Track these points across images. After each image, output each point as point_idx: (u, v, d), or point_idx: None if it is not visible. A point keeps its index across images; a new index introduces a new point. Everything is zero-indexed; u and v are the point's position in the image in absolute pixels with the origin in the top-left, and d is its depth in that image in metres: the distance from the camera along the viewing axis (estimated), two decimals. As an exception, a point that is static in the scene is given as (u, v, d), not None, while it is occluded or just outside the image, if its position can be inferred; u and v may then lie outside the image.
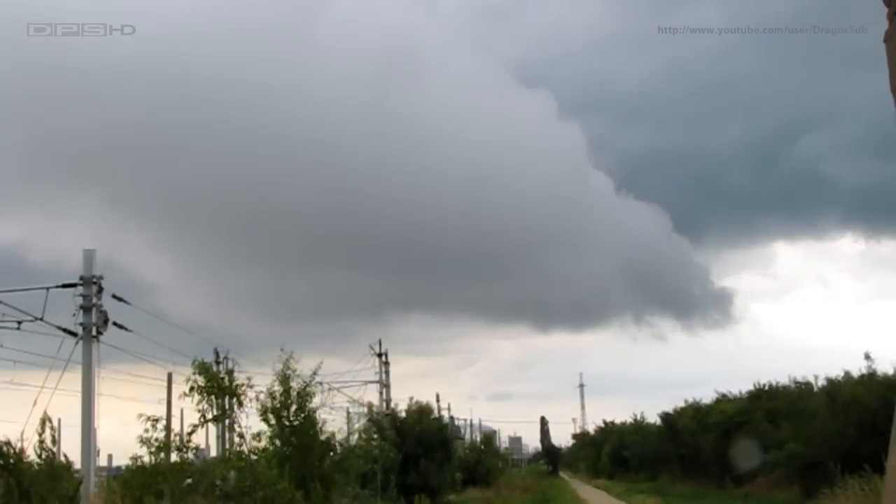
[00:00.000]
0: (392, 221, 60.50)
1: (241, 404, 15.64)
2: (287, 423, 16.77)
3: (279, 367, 17.01)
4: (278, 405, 16.75)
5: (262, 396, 16.54)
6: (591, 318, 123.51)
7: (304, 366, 17.43)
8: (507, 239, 68.50)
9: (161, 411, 16.17)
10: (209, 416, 15.17)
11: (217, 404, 15.22)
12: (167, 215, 55.58)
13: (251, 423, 16.26)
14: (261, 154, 52.92)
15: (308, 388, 17.18)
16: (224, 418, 15.96)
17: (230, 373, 15.92)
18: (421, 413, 31.81)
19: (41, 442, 10.47)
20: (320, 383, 17.98)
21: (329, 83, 53.82)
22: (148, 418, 13.83)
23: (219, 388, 15.11)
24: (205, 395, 14.93)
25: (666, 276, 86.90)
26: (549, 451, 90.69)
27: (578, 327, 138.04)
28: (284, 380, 16.94)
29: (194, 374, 15.06)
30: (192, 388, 14.90)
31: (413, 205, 60.52)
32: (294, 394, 16.93)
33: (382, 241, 62.44)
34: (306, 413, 17.06)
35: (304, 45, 53.44)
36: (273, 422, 16.69)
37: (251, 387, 16.01)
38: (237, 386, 15.57)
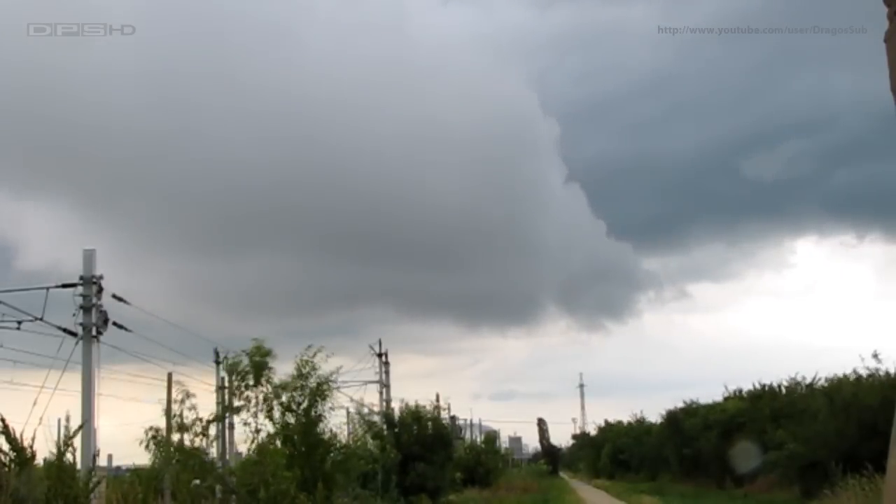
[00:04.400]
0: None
1: (269, 408, 15.92)
2: (293, 420, 16.81)
3: (300, 361, 17.10)
4: (290, 401, 16.79)
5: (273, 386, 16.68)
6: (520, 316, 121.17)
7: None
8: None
9: (161, 411, 16.22)
10: (229, 409, 15.48)
11: (245, 398, 15.51)
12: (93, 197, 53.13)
13: (262, 422, 16.47)
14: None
15: (324, 388, 17.21)
16: (229, 413, 16.12)
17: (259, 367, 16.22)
18: (416, 413, 31.70)
19: (64, 444, 10.52)
20: (332, 383, 18.03)
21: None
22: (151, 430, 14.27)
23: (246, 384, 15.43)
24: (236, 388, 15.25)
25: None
26: (549, 451, 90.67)
27: (503, 327, 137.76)
28: (301, 376, 16.96)
29: (234, 378, 15.42)
30: (221, 388, 15.27)
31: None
32: (308, 391, 16.96)
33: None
34: (315, 412, 17.09)
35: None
36: (279, 420, 16.73)
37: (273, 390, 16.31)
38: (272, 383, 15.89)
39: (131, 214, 54.38)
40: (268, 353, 15.98)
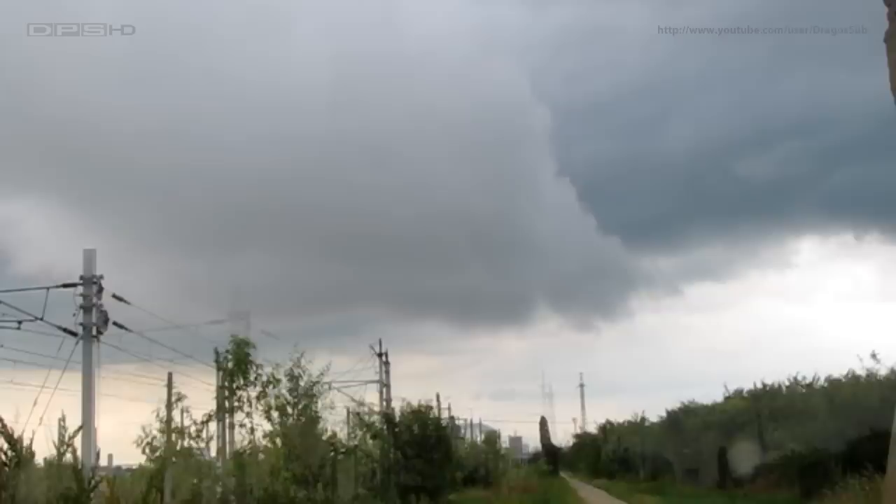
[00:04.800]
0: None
1: (267, 407, 16.03)
2: (290, 421, 16.86)
3: (288, 364, 17.18)
4: (284, 403, 16.86)
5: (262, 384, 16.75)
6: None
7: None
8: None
9: (154, 413, 16.25)
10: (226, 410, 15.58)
11: (238, 398, 15.63)
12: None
13: (257, 422, 16.53)
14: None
15: (314, 388, 17.28)
16: (228, 414, 16.17)
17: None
18: (416, 413, 31.67)
19: (66, 444, 10.55)
20: (326, 383, 18.07)
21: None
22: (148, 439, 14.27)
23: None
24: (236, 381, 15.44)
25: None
26: (550, 451, 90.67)
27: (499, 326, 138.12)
28: (292, 378, 17.04)
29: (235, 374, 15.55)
30: (221, 387, 15.36)
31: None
32: (301, 393, 17.04)
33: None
34: (311, 413, 17.15)
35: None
36: (278, 420, 16.79)
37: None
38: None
39: (130, 213, 54.22)
40: (247, 344, 16.04)
